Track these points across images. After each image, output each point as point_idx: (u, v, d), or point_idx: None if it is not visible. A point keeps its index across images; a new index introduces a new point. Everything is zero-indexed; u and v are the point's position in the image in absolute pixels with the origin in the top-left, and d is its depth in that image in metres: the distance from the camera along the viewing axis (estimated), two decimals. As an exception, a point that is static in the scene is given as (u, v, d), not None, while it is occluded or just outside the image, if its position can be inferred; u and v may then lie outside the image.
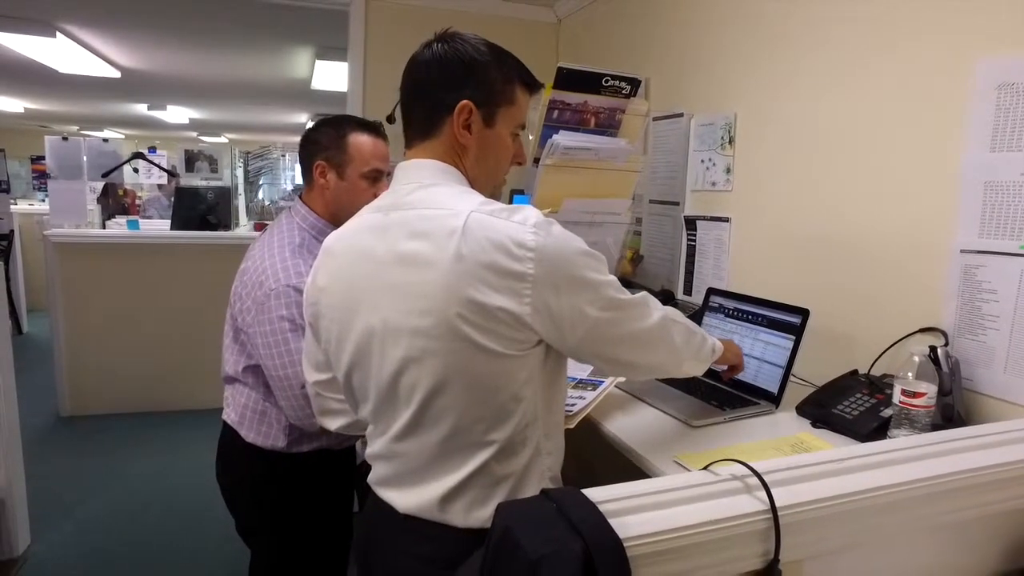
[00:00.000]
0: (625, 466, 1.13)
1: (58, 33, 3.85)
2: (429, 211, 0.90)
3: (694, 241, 1.99)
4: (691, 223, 1.99)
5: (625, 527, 0.66)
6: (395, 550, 0.97)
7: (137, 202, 6.09)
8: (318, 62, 4.13)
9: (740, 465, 0.78)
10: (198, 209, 4.14)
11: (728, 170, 1.84)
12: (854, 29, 1.45)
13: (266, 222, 5.55)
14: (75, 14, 3.56)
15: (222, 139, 10.48)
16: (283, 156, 5.40)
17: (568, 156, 1.65)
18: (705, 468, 0.79)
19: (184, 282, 3.91)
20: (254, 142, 10.09)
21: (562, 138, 1.63)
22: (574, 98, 1.67)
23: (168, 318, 3.92)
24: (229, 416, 1.45)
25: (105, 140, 4.19)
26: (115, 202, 4.62)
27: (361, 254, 0.95)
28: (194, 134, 10.22)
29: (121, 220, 4.20)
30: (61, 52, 4.21)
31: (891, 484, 0.77)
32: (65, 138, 4.03)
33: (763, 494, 0.73)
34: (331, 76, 4.53)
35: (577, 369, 1.40)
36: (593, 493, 0.70)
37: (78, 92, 6.28)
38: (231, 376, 1.44)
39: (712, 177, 1.90)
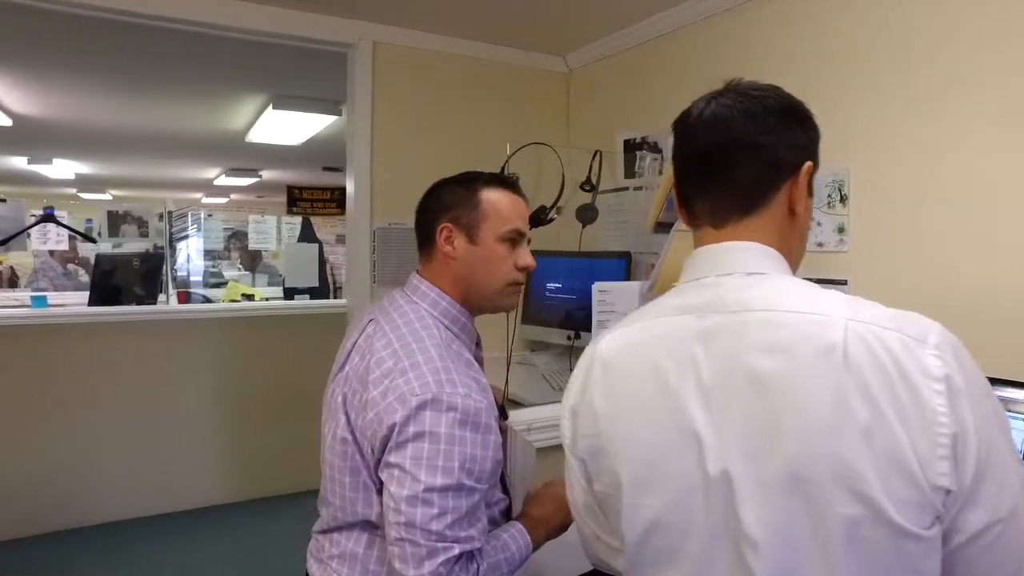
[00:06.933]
0: None
1: (-53, 74, 3.19)
2: (785, 315, 0.67)
3: (794, 305, 1.83)
4: (790, 286, 1.84)
5: None
6: None
7: (-1, 268, 5.20)
8: (269, 111, 3.71)
9: None
10: (123, 280, 3.53)
11: (841, 230, 1.71)
12: (995, 76, 1.37)
13: (189, 291, 4.89)
14: (-27, 52, 2.95)
15: (106, 196, 9.40)
16: (210, 216, 4.82)
17: (702, 218, 1.45)
18: None
19: (106, 368, 3.24)
20: (140, 199, 9.15)
21: (701, 199, 1.43)
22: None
23: (84, 413, 3.22)
24: None
25: (2, 200, 3.49)
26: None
27: (670, 372, 0.70)
28: (74, 191, 9.09)
29: (22, 294, 3.48)
30: (-56, 97, 3.50)
31: None
32: (-51, 198, 3.31)
33: None
34: (277, 128, 4.10)
35: None
36: None
37: (-59, 143, 5.32)
38: (361, 522, 1.05)
39: (819, 238, 1.76)
